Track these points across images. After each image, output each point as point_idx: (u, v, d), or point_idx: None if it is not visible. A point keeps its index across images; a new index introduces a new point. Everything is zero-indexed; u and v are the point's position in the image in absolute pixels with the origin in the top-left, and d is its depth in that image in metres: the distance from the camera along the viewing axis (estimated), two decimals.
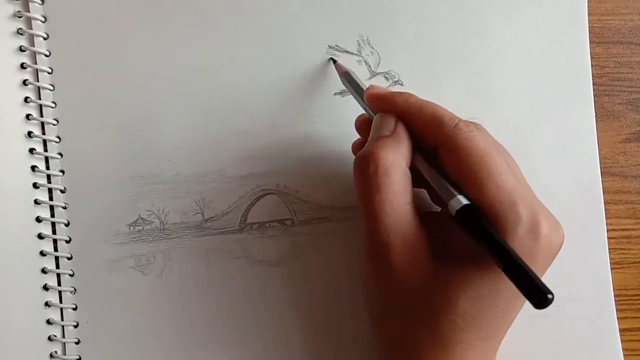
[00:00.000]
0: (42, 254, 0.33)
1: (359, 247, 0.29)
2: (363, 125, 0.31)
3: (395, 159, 0.26)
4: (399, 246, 0.26)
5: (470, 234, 0.24)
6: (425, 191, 0.31)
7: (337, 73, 0.33)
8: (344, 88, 0.34)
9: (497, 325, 0.26)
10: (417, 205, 0.27)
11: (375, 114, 0.29)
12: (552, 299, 0.21)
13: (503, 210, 0.24)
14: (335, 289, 0.33)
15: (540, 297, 0.21)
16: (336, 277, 0.33)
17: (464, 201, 0.24)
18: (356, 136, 0.33)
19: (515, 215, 0.24)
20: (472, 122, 0.27)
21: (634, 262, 0.35)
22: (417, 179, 0.28)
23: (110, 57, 0.34)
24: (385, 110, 0.29)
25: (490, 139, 0.27)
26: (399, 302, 0.26)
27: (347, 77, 0.32)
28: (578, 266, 0.34)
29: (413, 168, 0.27)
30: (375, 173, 0.26)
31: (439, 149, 0.27)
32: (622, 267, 0.34)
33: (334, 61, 0.34)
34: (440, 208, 0.31)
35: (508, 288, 0.25)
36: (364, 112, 0.31)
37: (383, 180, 0.26)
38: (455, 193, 0.25)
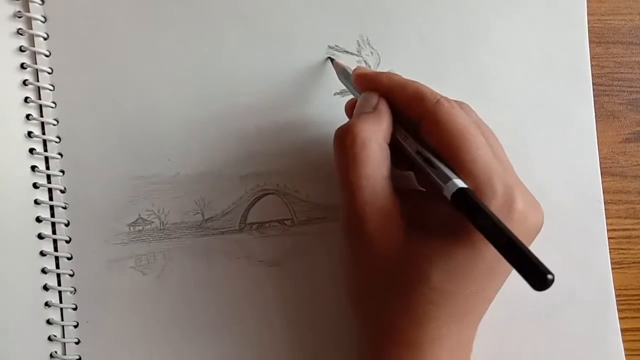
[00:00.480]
0: (42, 254, 0.33)
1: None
2: (352, 110, 0.31)
3: (374, 133, 0.27)
4: (374, 219, 0.26)
5: (467, 216, 0.24)
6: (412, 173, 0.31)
7: (335, 72, 0.33)
8: (344, 88, 0.34)
9: (473, 303, 0.26)
10: (397, 183, 0.27)
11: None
12: (553, 279, 0.20)
13: (478, 183, 0.25)
14: (335, 288, 0.33)
15: (540, 278, 0.20)
16: (336, 276, 0.33)
17: (460, 184, 0.24)
18: None
19: (490, 188, 0.25)
20: (456, 101, 0.28)
21: (634, 262, 0.35)
22: (401, 161, 0.28)
23: (110, 57, 0.34)
24: (371, 89, 0.29)
25: (473, 115, 0.28)
26: (374, 276, 0.26)
27: (345, 74, 0.32)
28: (578, 266, 0.34)
29: (396, 147, 0.28)
30: (352, 145, 0.26)
31: (422, 123, 0.27)
32: (622, 267, 0.34)
33: (332, 60, 0.34)
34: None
35: (484, 262, 0.25)
36: None
37: (360, 152, 0.26)
38: (451, 176, 0.25)
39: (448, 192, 0.24)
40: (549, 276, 0.20)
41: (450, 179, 0.24)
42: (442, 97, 0.27)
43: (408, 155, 0.27)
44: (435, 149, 0.26)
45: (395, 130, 0.28)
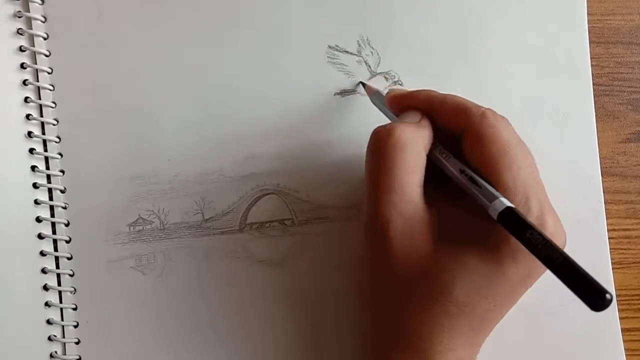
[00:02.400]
0: (42, 254, 0.33)
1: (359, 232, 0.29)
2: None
3: (415, 139, 0.26)
4: (400, 225, 0.25)
5: (516, 235, 0.23)
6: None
7: (368, 95, 0.33)
8: (344, 88, 0.34)
9: (488, 317, 0.26)
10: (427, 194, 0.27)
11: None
12: (611, 299, 0.20)
13: (516, 202, 0.25)
14: (335, 288, 0.33)
15: (598, 298, 0.20)
16: (336, 276, 0.33)
17: (507, 203, 0.24)
18: (358, 136, 0.33)
19: (526, 209, 0.25)
20: (498, 114, 0.27)
21: (634, 262, 0.34)
22: (434, 176, 0.27)
23: (110, 57, 0.34)
24: (408, 109, 0.29)
25: (514, 132, 0.27)
26: (392, 281, 0.26)
27: (378, 97, 0.32)
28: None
29: (431, 161, 0.27)
30: (390, 145, 0.26)
31: (464, 136, 0.26)
32: (622, 267, 0.34)
33: (364, 84, 0.34)
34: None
35: (507, 281, 0.25)
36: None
37: (397, 155, 0.26)
38: (497, 195, 0.25)
39: (494, 211, 0.24)
40: (607, 295, 0.20)
41: (496, 197, 0.24)
42: (486, 109, 0.27)
43: (447, 173, 0.27)
44: (477, 162, 0.26)
45: (434, 147, 0.28)
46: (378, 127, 0.27)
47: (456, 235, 0.26)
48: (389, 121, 0.30)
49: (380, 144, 0.26)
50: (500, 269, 0.25)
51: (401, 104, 0.29)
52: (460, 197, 0.27)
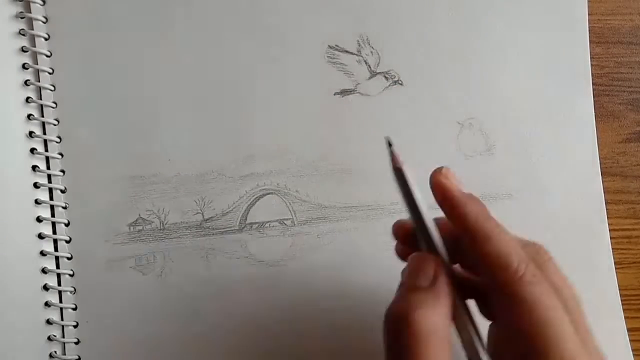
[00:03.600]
0: (42, 254, 0.33)
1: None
2: (401, 232, 0.27)
3: (436, 322, 0.22)
4: None
5: None
6: None
7: (391, 164, 0.26)
8: (344, 88, 0.34)
9: None
10: None
11: (417, 218, 0.24)
12: None
13: None
14: (335, 288, 0.33)
15: None
16: (336, 277, 0.33)
17: None
18: (358, 135, 0.33)
19: None
20: (536, 268, 0.23)
21: (634, 262, 0.34)
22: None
23: (110, 57, 0.34)
24: (447, 209, 0.25)
25: (556, 284, 0.23)
26: None
27: (399, 175, 0.25)
28: (581, 267, 0.33)
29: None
30: (412, 341, 0.22)
31: (495, 293, 0.23)
32: (622, 267, 0.34)
33: (390, 144, 0.26)
34: None
35: None
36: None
37: (421, 351, 0.21)
38: None
39: None
40: None
41: None
42: (527, 267, 0.23)
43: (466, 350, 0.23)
44: (509, 327, 0.22)
45: (456, 314, 0.23)
46: (392, 307, 0.23)
47: None
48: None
49: (397, 333, 0.22)
50: None
51: (442, 203, 0.25)
52: None
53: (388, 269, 0.34)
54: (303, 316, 0.33)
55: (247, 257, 0.33)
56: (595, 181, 0.34)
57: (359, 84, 0.34)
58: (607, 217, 0.34)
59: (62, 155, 0.33)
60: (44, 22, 0.34)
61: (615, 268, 0.34)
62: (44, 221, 0.33)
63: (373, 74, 0.34)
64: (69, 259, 0.33)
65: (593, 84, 0.35)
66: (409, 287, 0.23)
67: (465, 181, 0.33)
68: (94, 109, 0.34)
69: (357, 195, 0.34)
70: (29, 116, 0.33)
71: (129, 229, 0.33)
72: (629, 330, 0.33)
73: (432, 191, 0.25)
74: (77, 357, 0.33)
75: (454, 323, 0.23)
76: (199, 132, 0.34)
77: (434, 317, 0.22)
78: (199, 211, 0.34)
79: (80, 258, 0.33)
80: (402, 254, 0.27)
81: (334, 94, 0.34)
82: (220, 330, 0.33)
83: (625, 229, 0.35)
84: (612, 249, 0.34)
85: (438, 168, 0.26)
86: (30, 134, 0.33)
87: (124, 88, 0.34)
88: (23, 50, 0.33)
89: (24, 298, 0.32)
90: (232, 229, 0.34)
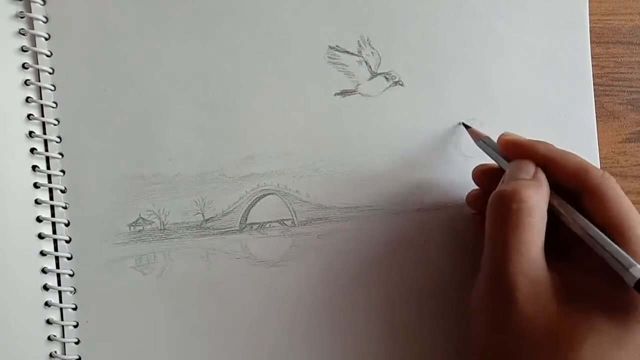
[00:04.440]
0: (42, 254, 0.33)
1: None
2: (481, 175, 0.32)
3: (539, 200, 0.27)
4: (526, 289, 0.25)
5: None
6: None
7: (471, 138, 0.33)
8: (345, 88, 0.34)
9: None
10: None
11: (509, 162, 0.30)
12: None
13: (638, 261, 0.25)
14: (335, 289, 0.33)
15: None
16: (336, 277, 0.33)
17: None
18: (358, 136, 0.33)
19: None
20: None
21: None
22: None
23: (111, 57, 0.34)
24: (524, 157, 0.29)
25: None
26: (517, 341, 0.26)
27: (486, 140, 0.32)
28: None
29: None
30: (518, 210, 0.26)
31: (584, 195, 0.27)
32: None
33: (467, 126, 0.34)
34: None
35: (634, 343, 0.25)
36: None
37: (525, 219, 0.26)
38: (634, 262, 0.24)
39: (631, 278, 0.24)
40: None
41: (633, 264, 0.24)
42: (604, 171, 0.27)
43: (574, 229, 0.27)
44: (598, 222, 0.26)
45: (553, 202, 0.28)
46: (501, 188, 0.27)
47: (580, 297, 0.26)
48: (489, 160, 0.32)
49: (507, 207, 0.26)
50: (630, 334, 0.25)
51: (517, 152, 0.30)
52: (579, 256, 0.28)
53: (389, 269, 0.34)
54: (303, 317, 0.33)
55: (247, 257, 0.33)
56: None
57: (359, 84, 0.34)
58: None
59: (62, 155, 0.33)
60: (45, 22, 0.34)
61: None
62: (44, 221, 0.33)
63: (374, 75, 0.34)
64: (69, 259, 0.33)
65: (593, 84, 0.35)
66: (513, 178, 0.28)
67: (465, 181, 0.34)
68: (94, 109, 0.34)
69: (358, 196, 0.34)
70: (29, 116, 0.33)
71: (129, 229, 0.33)
72: None
73: (503, 150, 0.30)
74: (77, 357, 0.33)
75: (556, 209, 0.27)
76: (199, 132, 0.34)
77: (537, 197, 0.27)
78: (200, 211, 0.33)
79: (81, 258, 0.33)
80: (475, 201, 0.33)
81: (335, 95, 0.34)
82: (220, 331, 0.33)
83: None
84: None
85: (502, 134, 0.31)
86: (30, 134, 0.33)
87: (124, 88, 0.34)
88: (23, 49, 0.33)
89: (24, 298, 0.32)
90: (233, 229, 0.34)
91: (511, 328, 0.26)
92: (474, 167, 0.32)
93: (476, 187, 0.33)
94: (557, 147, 0.29)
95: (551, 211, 0.27)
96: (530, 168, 0.28)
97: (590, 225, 0.26)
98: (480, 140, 0.32)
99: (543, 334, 0.25)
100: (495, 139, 0.31)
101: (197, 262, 0.33)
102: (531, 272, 0.26)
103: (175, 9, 0.34)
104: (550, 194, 0.28)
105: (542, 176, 0.28)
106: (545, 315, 0.25)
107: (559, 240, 0.28)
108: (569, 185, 0.28)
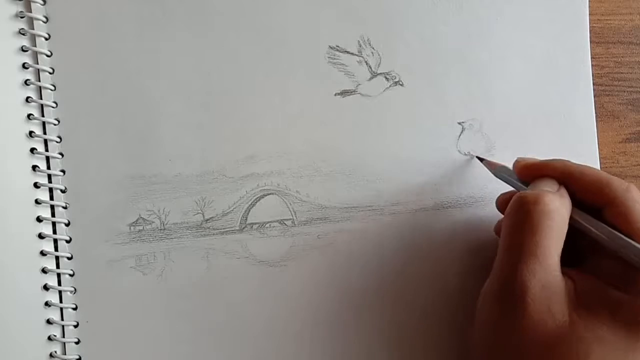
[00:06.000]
0: (43, 253, 0.33)
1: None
2: (504, 204, 0.31)
3: (561, 207, 0.27)
4: (538, 291, 0.25)
5: None
6: None
7: (489, 170, 0.33)
8: (345, 88, 0.34)
9: None
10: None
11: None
12: None
13: None
14: (335, 289, 0.33)
15: None
16: (336, 277, 0.33)
17: None
18: (358, 137, 0.33)
19: None
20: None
21: None
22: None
23: (111, 57, 0.34)
24: (542, 177, 0.29)
25: None
26: (523, 347, 0.26)
27: (503, 170, 0.32)
28: None
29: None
30: (539, 212, 0.26)
31: (606, 210, 0.27)
32: None
33: (481, 159, 0.34)
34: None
35: None
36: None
37: (545, 222, 0.26)
38: None
39: None
40: None
41: None
42: (630, 183, 0.27)
43: (594, 237, 0.27)
44: (627, 235, 0.26)
45: (575, 216, 0.27)
46: (523, 192, 0.27)
47: (591, 306, 0.26)
48: (509, 188, 0.31)
49: (529, 209, 0.26)
50: (637, 340, 0.25)
51: (535, 174, 0.29)
52: (591, 268, 0.28)
53: (389, 270, 0.34)
54: (303, 317, 0.33)
55: (247, 257, 0.33)
56: None
57: (359, 84, 0.34)
58: None
59: (62, 155, 0.33)
60: (45, 22, 0.34)
61: None
62: (44, 221, 0.33)
63: (374, 75, 0.34)
64: (69, 258, 0.33)
65: (593, 84, 0.35)
66: (537, 189, 0.28)
67: (465, 182, 0.34)
68: (94, 109, 0.34)
69: (358, 196, 0.34)
70: (29, 116, 0.33)
71: (130, 229, 0.33)
72: None
73: (520, 176, 0.30)
74: (77, 357, 0.33)
75: (580, 223, 0.27)
76: (199, 132, 0.34)
77: (559, 202, 0.27)
78: (200, 211, 0.33)
79: (81, 258, 0.33)
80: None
81: (335, 95, 0.34)
82: (220, 330, 0.33)
83: None
84: None
85: (516, 161, 0.31)
86: (30, 133, 0.33)
87: (124, 88, 0.34)
88: (23, 49, 0.33)
89: (24, 298, 0.32)
90: (233, 229, 0.34)
91: (519, 334, 0.26)
92: (498, 195, 0.32)
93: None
94: (574, 162, 0.29)
95: (571, 225, 0.27)
96: (553, 184, 0.28)
97: (620, 235, 0.26)
98: (497, 169, 0.32)
99: (550, 342, 0.25)
100: (497, 138, 0.31)
101: (197, 262, 0.33)
102: (544, 278, 0.25)
103: (175, 9, 0.34)
104: (572, 209, 0.27)
105: (564, 191, 0.28)
106: (555, 323, 0.25)
107: (572, 253, 0.28)
108: (589, 198, 0.27)
